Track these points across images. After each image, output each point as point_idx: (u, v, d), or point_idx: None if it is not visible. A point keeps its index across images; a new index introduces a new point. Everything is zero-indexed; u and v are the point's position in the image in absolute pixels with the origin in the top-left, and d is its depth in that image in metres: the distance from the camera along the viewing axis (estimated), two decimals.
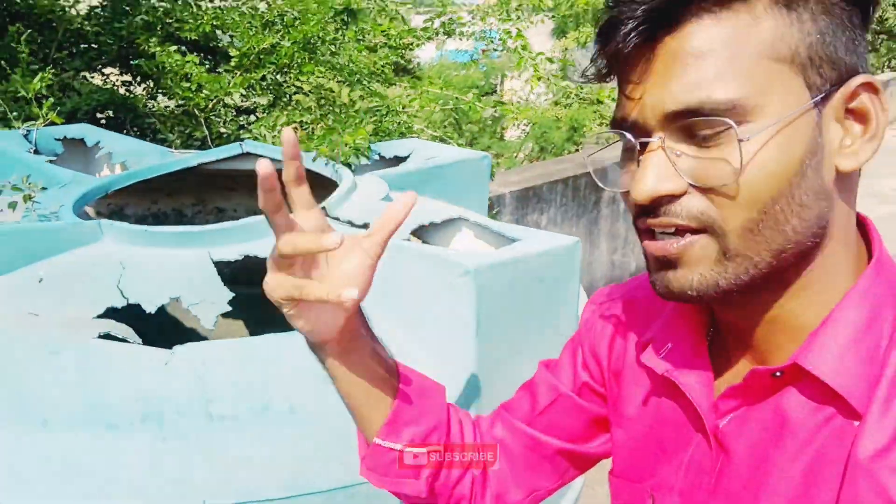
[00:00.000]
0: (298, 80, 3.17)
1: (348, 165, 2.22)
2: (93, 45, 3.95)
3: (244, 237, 1.60)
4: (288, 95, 3.46)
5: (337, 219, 1.75)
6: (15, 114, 2.54)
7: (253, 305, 1.46)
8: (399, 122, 2.75)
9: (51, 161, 2.17)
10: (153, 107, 3.87)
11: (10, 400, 1.23)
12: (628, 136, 0.62)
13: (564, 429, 0.87)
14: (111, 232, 1.58)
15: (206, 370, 1.30)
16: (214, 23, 3.40)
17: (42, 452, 1.18)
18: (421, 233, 1.73)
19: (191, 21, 3.47)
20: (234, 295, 1.55)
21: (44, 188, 1.79)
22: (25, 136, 2.38)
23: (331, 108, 3.13)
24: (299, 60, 3.15)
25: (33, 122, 2.54)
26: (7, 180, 1.77)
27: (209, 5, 3.62)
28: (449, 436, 0.86)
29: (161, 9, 3.52)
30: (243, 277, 1.63)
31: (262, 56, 3.24)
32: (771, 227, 0.59)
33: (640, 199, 0.60)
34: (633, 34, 0.58)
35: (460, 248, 1.71)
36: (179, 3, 3.56)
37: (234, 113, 3.53)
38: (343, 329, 0.75)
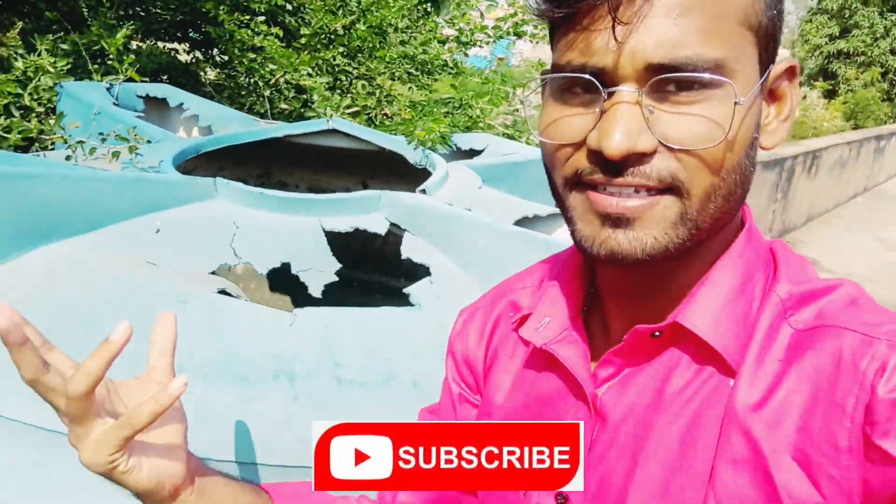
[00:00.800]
0: (368, 64, 3.18)
1: (433, 151, 2.24)
2: (149, 9, 3.96)
3: (356, 210, 1.61)
4: (349, 79, 3.47)
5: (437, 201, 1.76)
6: (95, 66, 2.54)
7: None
8: (470, 117, 2.77)
9: (139, 117, 2.18)
10: (205, 77, 3.87)
11: (141, 345, 1.23)
12: (595, 82, 0.56)
13: None
14: (225, 191, 1.59)
15: (329, 334, 1.31)
16: None
17: None
18: (523, 225, 1.74)
19: None
20: (341, 266, 1.57)
21: (148, 141, 1.79)
22: (108, 90, 2.38)
23: (393, 97, 3.14)
24: (371, 45, 3.16)
25: (112, 76, 2.55)
26: (113, 130, 1.77)
27: None
28: None
29: None
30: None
31: (332, 37, 3.24)
32: (723, 195, 0.58)
33: (613, 154, 0.55)
34: None
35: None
36: None
37: (294, 91, 3.53)
38: (187, 466, 0.71)
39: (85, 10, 3.44)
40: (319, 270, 1.54)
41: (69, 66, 2.42)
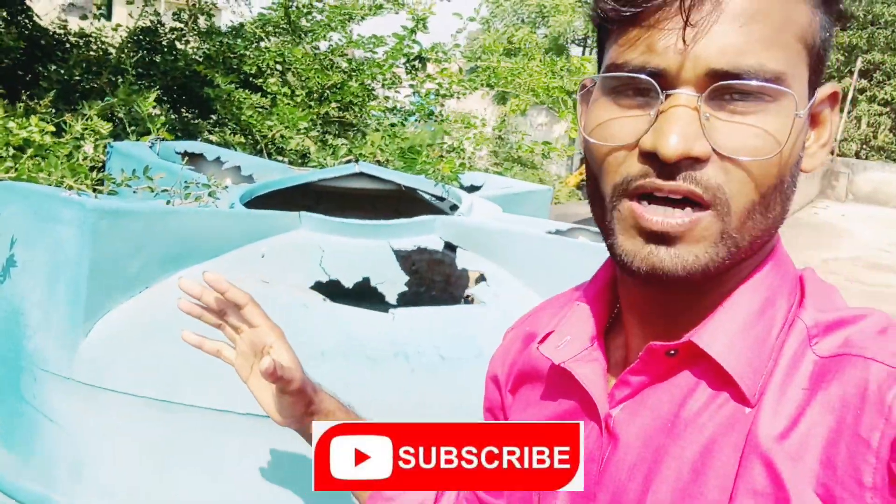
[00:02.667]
0: (358, 116, 3.54)
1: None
2: (133, 76, 4.25)
3: (416, 232, 1.95)
4: (338, 131, 3.83)
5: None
6: (133, 128, 2.83)
7: None
8: (462, 159, 3.16)
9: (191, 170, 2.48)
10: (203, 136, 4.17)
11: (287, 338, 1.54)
12: (654, 83, 0.56)
13: None
14: (308, 222, 1.91)
15: (424, 325, 1.65)
16: (276, 59, 3.76)
17: (320, 376, 1.49)
18: None
19: (252, 56, 3.82)
20: (409, 277, 1.90)
21: (225, 187, 2.10)
22: (150, 148, 2.67)
23: (386, 146, 3.50)
24: (361, 100, 3.53)
25: (146, 136, 2.84)
26: (195, 179, 2.08)
27: (267, 43, 3.97)
28: None
29: (225, 44, 3.86)
30: None
31: (325, 93, 3.60)
32: (761, 212, 0.58)
33: (668, 155, 0.55)
34: None
35: None
36: (241, 40, 3.90)
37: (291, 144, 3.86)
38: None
39: (79, 77, 3.72)
40: (392, 282, 1.88)
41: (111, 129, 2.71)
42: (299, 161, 3.66)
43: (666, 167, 0.56)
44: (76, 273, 1.49)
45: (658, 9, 0.55)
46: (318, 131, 3.73)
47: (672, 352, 0.62)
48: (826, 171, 16.14)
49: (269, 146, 3.66)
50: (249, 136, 3.71)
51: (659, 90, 0.56)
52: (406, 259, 2.08)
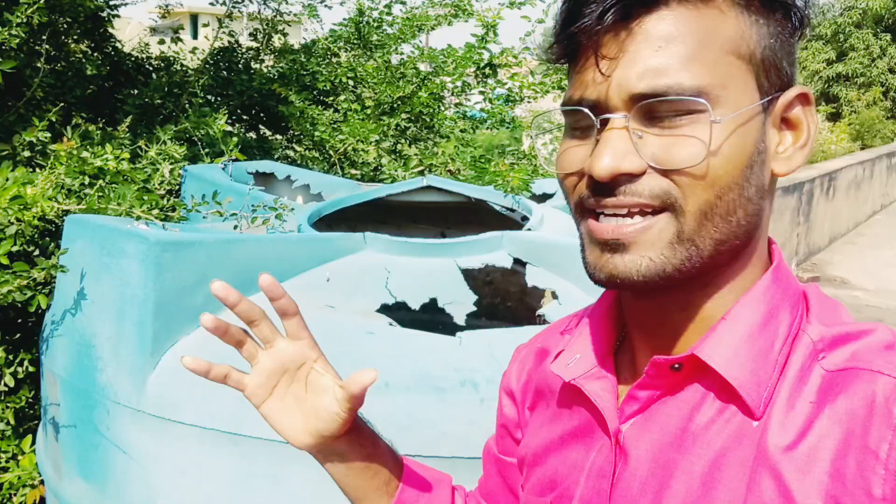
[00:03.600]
0: (429, 126, 3.50)
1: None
2: (208, 97, 4.32)
3: (484, 249, 1.90)
4: (408, 141, 3.80)
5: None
6: (207, 150, 2.87)
7: None
8: (533, 166, 3.08)
9: (262, 191, 2.49)
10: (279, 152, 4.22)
11: (350, 368, 1.51)
12: (588, 113, 0.61)
13: (511, 489, 0.90)
14: (374, 242, 1.88)
15: (492, 349, 1.58)
16: (348, 75, 3.76)
17: (386, 410, 1.45)
18: None
19: (325, 72, 3.83)
20: (477, 297, 1.85)
21: (291, 209, 2.09)
22: (223, 170, 2.70)
23: (456, 155, 3.45)
24: (431, 110, 3.49)
25: (220, 157, 2.88)
26: (262, 202, 2.08)
27: (338, 58, 3.98)
28: None
29: (298, 62, 3.89)
30: None
31: (395, 105, 3.58)
32: (721, 215, 0.60)
33: (601, 175, 0.59)
34: (610, 11, 0.58)
35: None
36: (313, 57, 3.92)
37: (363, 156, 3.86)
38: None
39: (159, 100, 3.81)
40: (460, 302, 1.82)
41: (186, 153, 2.75)
42: (371, 173, 3.65)
43: (606, 185, 0.60)
44: (142, 306, 1.50)
45: (580, 50, 0.61)
46: (391, 142, 3.72)
47: (677, 366, 0.63)
48: None
49: (342, 160, 3.67)
50: (323, 151, 3.72)
51: (594, 118, 0.61)
52: (480, 270, 2.03)
